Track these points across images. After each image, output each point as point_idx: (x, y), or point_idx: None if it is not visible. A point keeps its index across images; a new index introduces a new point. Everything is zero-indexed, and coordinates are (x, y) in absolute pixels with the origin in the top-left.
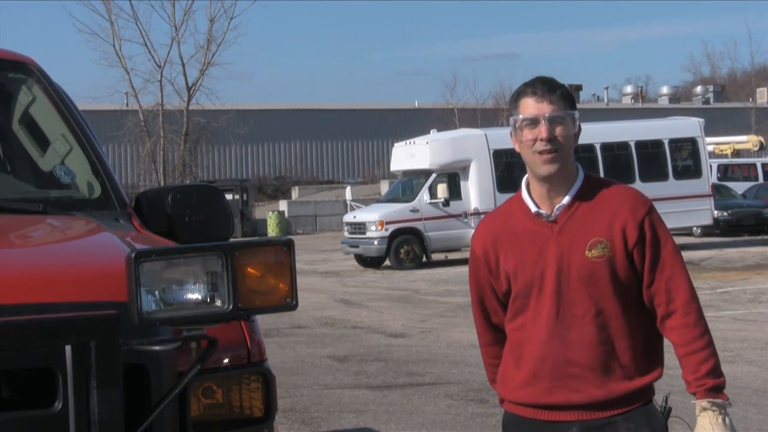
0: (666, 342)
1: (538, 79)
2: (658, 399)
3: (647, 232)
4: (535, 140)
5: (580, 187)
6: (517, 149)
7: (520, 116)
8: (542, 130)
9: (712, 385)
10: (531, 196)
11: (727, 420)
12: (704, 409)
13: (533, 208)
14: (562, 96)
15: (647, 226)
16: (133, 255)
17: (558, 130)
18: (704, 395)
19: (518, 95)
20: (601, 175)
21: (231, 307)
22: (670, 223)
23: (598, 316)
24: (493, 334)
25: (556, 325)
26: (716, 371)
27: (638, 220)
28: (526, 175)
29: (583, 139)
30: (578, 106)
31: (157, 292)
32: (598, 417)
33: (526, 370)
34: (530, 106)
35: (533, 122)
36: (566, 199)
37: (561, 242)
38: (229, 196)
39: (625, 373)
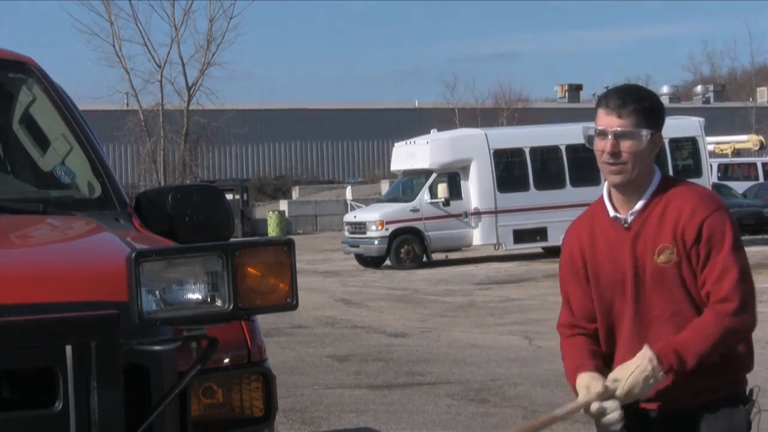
0: (758, 336)
1: (616, 91)
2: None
3: (704, 233)
4: (602, 151)
5: (653, 192)
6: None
7: (592, 126)
8: (607, 145)
9: (672, 359)
10: (611, 200)
11: (650, 382)
12: (646, 356)
13: (611, 213)
14: (635, 111)
15: (705, 228)
16: (134, 255)
17: (625, 146)
18: (659, 353)
19: (597, 103)
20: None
21: (231, 306)
22: None
23: (674, 317)
24: (579, 334)
25: (636, 325)
26: (683, 357)
27: (697, 223)
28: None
29: (583, 139)
30: (578, 106)
31: (157, 292)
32: (679, 407)
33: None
34: (601, 118)
35: (602, 134)
36: (639, 205)
37: (636, 247)
38: (229, 196)
39: (704, 370)
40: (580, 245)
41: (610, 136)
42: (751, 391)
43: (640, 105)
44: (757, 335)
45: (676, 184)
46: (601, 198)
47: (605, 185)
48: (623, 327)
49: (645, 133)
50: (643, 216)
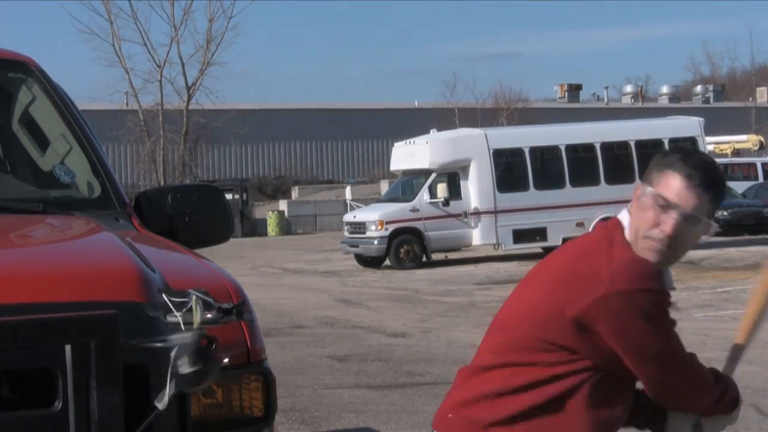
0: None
1: (704, 165)
2: None
3: None
4: (656, 225)
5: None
6: (631, 209)
7: (657, 192)
8: (668, 223)
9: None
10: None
11: None
12: None
13: (672, 288)
14: (712, 199)
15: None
16: None
17: (684, 231)
18: None
19: (670, 164)
20: (601, 174)
21: None
22: None
23: None
24: None
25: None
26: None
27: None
28: (627, 213)
29: (583, 139)
30: (578, 106)
31: None
32: None
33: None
34: (674, 190)
35: (666, 208)
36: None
37: None
38: (229, 196)
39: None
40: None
41: (675, 216)
42: None
43: (718, 192)
44: (757, 334)
45: None
46: (642, 260)
47: (626, 231)
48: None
49: (712, 227)
50: None
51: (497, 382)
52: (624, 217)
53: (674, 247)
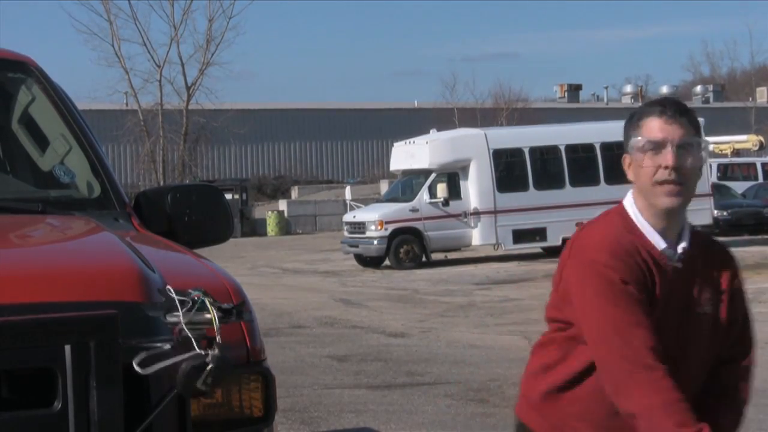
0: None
1: (669, 99)
2: None
3: (739, 294)
4: (657, 168)
5: (690, 232)
6: (630, 176)
7: (643, 138)
8: (668, 158)
9: None
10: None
11: None
12: None
13: (660, 245)
14: (692, 122)
15: (740, 289)
16: None
17: (685, 160)
18: None
19: (642, 114)
20: (601, 174)
21: None
22: None
23: (701, 373)
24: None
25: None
26: None
27: (739, 279)
28: (631, 195)
29: (582, 139)
30: (578, 106)
31: None
32: None
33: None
34: (656, 128)
35: (658, 147)
36: (687, 241)
37: (684, 291)
38: (228, 196)
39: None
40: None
41: (670, 148)
42: None
43: (694, 116)
44: (757, 335)
45: (702, 232)
46: (629, 218)
47: (632, 204)
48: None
49: (705, 146)
50: (690, 253)
51: (534, 362)
52: (627, 197)
53: (684, 180)
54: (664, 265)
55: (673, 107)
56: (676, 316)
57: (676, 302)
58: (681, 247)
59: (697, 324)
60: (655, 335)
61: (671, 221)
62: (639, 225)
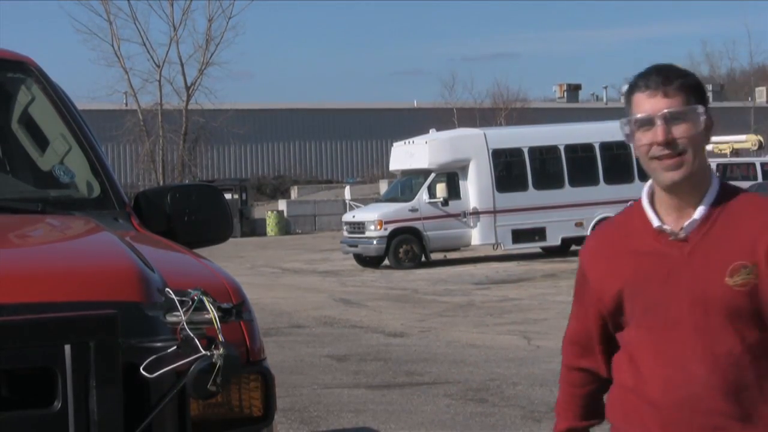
0: None
1: (654, 69)
2: None
3: None
4: (651, 144)
5: (715, 198)
6: (635, 154)
7: (632, 117)
8: (658, 132)
9: None
10: (653, 208)
11: None
12: None
13: (655, 222)
14: (682, 87)
15: None
16: None
17: (678, 130)
18: None
19: (630, 90)
20: (600, 174)
21: None
22: None
23: (744, 356)
24: (581, 375)
25: (696, 365)
26: None
27: None
28: (650, 181)
29: (582, 139)
30: (577, 105)
31: None
32: None
33: (658, 419)
34: (641, 104)
35: (647, 123)
36: (699, 213)
37: (695, 267)
38: (228, 196)
39: None
40: (607, 261)
41: (659, 122)
42: None
43: (686, 80)
44: None
45: (739, 191)
46: (638, 204)
47: (646, 188)
48: (668, 368)
49: (701, 110)
50: (704, 228)
51: None
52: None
53: (682, 150)
54: (664, 243)
55: (657, 77)
56: (682, 294)
57: (686, 281)
58: (689, 221)
59: (719, 299)
60: (581, 327)
61: (683, 194)
62: (643, 204)
